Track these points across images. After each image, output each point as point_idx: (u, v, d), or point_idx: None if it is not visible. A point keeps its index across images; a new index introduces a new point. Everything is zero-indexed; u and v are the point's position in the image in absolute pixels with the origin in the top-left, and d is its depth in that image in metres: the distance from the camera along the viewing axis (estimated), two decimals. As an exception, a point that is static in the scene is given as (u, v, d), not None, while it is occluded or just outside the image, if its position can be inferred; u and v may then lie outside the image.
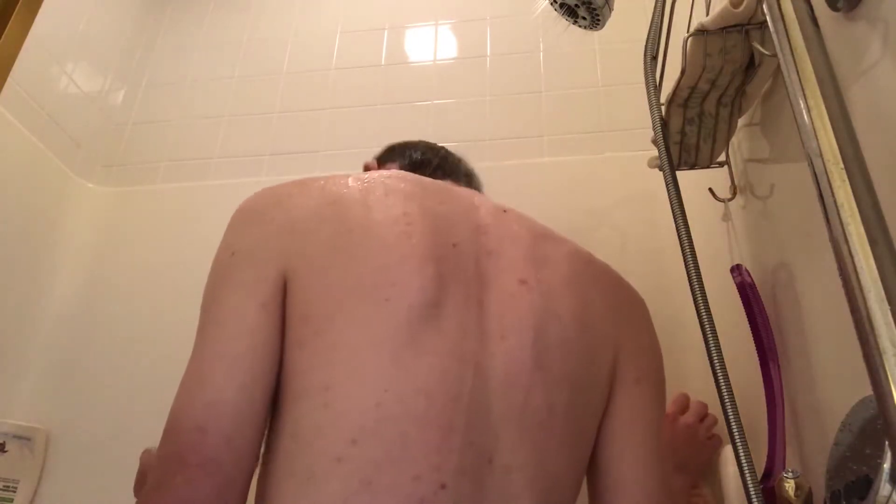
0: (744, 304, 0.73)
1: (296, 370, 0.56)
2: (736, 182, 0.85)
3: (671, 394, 1.01)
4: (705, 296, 0.65)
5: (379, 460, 0.50)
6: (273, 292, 0.59)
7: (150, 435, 1.23)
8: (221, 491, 0.51)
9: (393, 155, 0.94)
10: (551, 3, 0.88)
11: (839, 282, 0.39)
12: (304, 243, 0.61)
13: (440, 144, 0.99)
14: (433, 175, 0.88)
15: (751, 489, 0.55)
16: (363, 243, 0.60)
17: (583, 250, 0.74)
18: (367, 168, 0.92)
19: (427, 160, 0.93)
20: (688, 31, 0.75)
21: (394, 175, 0.69)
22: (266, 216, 0.64)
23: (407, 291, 0.57)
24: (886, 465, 0.42)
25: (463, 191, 0.75)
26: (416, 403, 0.52)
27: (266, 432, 0.56)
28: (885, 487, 0.42)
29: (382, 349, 0.54)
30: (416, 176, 0.70)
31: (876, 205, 0.40)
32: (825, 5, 0.56)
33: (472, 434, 0.53)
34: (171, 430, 0.55)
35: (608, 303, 0.69)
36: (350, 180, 0.66)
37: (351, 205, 0.63)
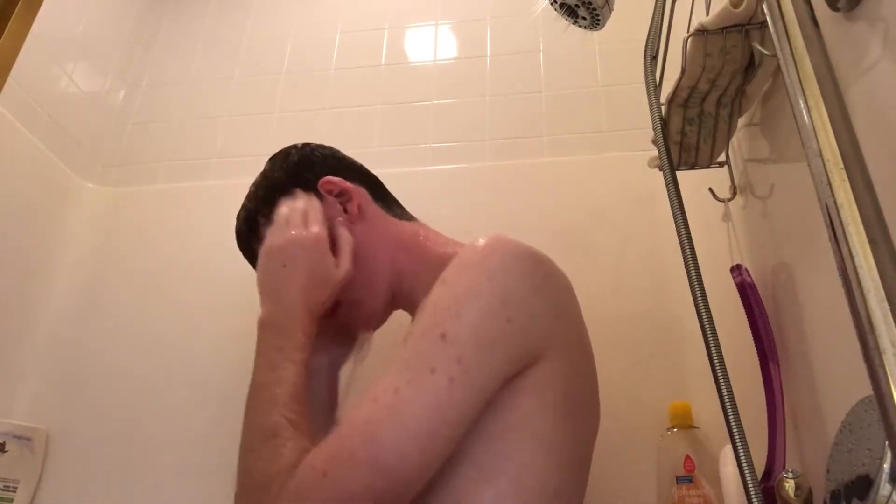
0: (744, 304, 0.73)
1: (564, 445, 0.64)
2: (736, 182, 0.85)
3: (671, 393, 1.01)
4: (705, 296, 0.65)
5: None
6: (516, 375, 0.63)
7: (150, 435, 1.24)
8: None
9: (349, 172, 0.89)
10: (551, 3, 0.88)
11: (839, 282, 0.39)
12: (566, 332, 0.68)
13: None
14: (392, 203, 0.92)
15: (751, 489, 0.55)
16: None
17: None
18: (331, 184, 0.85)
19: (382, 187, 0.93)
20: (688, 31, 0.75)
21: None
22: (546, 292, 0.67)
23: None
24: (886, 465, 0.42)
25: None
26: None
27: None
28: (885, 487, 0.42)
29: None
30: None
31: (876, 205, 0.40)
32: (825, 5, 0.56)
33: None
34: (361, 447, 0.54)
35: None
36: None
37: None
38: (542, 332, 0.64)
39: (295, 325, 0.72)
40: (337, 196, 0.85)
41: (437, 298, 0.62)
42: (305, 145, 0.93)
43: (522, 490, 0.59)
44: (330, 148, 0.94)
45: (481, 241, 0.67)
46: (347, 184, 0.85)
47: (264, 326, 0.73)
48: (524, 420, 0.62)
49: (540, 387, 0.63)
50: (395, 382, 0.56)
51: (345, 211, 0.84)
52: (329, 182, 0.85)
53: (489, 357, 0.59)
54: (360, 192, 0.86)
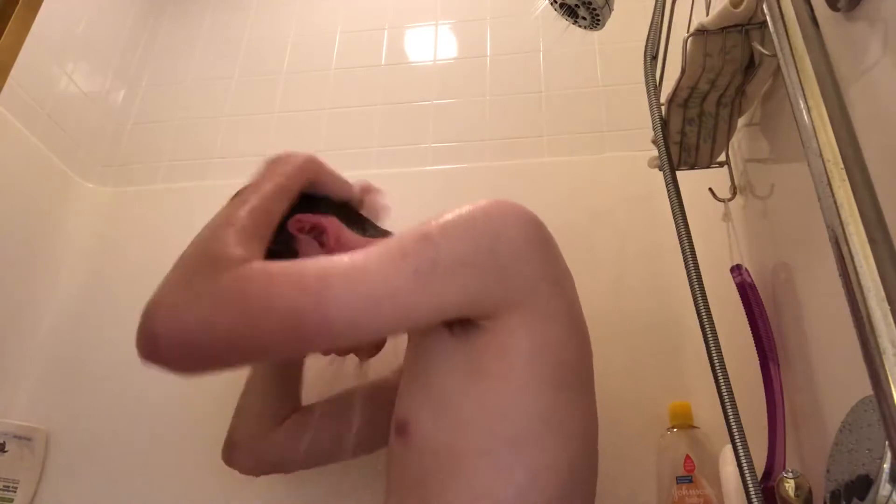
0: (744, 304, 0.73)
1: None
2: (736, 182, 0.85)
3: (671, 394, 1.01)
4: (705, 296, 0.65)
5: None
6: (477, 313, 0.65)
7: (151, 435, 1.24)
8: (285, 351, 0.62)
9: (316, 205, 0.85)
10: (551, 3, 0.88)
11: (839, 282, 0.39)
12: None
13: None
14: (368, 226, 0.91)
15: (751, 489, 0.55)
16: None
17: None
18: (300, 222, 0.82)
19: (351, 209, 0.91)
20: (688, 31, 0.75)
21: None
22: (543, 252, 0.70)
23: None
24: (886, 465, 0.42)
25: None
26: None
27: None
28: (885, 487, 0.42)
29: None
30: None
31: (876, 205, 0.40)
32: (825, 5, 0.56)
33: None
34: (307, 290, 0.57)
35: None
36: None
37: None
38: (527, 282, 0.66)
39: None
40: (309, 232, 0.82)
41: (431, 218, 0.66)
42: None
43: (539, 475, 0.60)
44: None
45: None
46: (317, 217, 0.83)
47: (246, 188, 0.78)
48: (521, 392, 0.63)
49: (530, 351, 0.64)
50: (366, 252, 0.61)
51: (321, 245, 0.82)
52: (297, 220, 0.82)
53: (461, 273, 0.62)
54: (332, 222, 0.83)
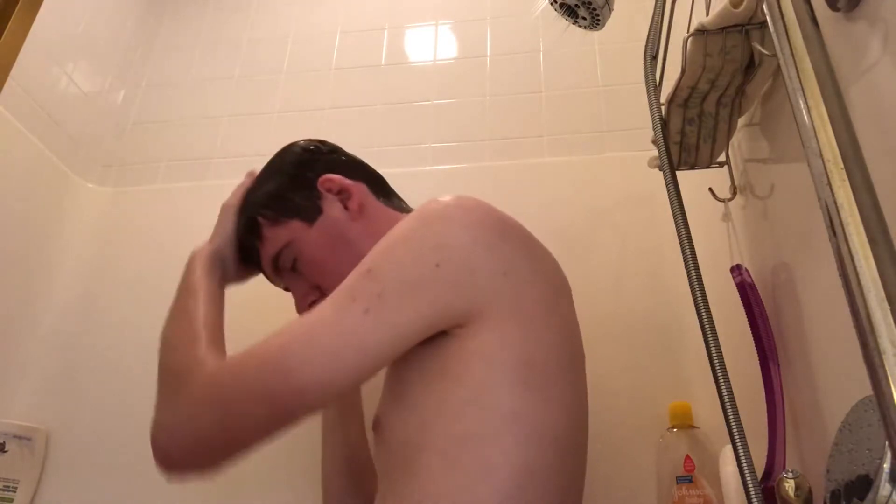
0: (744, 304, 0.73)
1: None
2: (736, 182, 0.85)
3: (671, 394, 1.01)
4: (705, 296, 0.65)
5: None
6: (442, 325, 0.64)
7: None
8: (273, 431, 0.59)
9: (349, 169, 0.90)
10: (551, 3, 0.88)
11: (839, 282, 0.39)
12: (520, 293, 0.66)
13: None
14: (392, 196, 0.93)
15: (751, 489, 0.55)
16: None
17: None
18: (330, 182, 0.86)
19: (383, 181, 0.94)
20: (688, 31, 0.75)
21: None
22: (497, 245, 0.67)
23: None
24: (886, 465, 0.42)
25: None
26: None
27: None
28: (885, 487, 0.42)
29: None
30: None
31: (876, 205, 0.40)
32: (825, 5, 0.56)
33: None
34: (273, 369, 0.58)
35: None
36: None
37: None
38: (483, 287, 0.63)
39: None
40: (337, 193, 0.85)
41: (378, 243, 0.66)
42: (308, 142, 0.93)
43: (490, 470, 0.58)
44: (332, 145, 0.95)
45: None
46: (347, 181, 0.86)
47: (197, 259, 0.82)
48: (479, 391, 0.61)
49: (489, 352, 0.62)
50: (321, 308, 0.61)
51: (345, 208, 0.85)
52: (328, 180, 0.86)
53: (411, 298, 0.61)
54: (359, 189, 0.87)
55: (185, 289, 0.80)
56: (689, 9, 0.86)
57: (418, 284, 0.61)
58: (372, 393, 0.90)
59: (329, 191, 0.86)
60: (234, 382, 0.59)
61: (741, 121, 0.83)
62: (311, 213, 0.84)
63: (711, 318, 0.64)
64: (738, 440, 0.58)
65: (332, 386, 0.58)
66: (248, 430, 0.59)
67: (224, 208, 0.90)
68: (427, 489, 0.59)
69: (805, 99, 0.46)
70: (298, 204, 0.84)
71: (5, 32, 0.92)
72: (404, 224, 0.66)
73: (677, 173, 0.77)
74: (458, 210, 0.67)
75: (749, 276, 0.75)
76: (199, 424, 0.59)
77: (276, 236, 0.84)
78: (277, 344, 0.59)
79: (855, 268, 0.38)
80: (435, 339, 0.64)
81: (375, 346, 0.59)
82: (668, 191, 0.73)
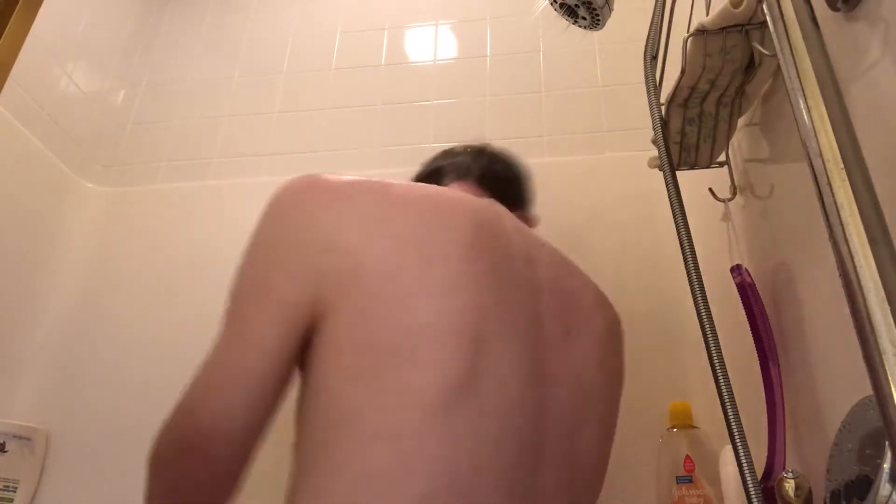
0: (744, 304, 0.73)
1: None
2: (736, 182, 0.85)
3: (671, 394, 1.01)
4: (705, 296, 0.65)
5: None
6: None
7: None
8: (216, 479, 0.57)
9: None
10: (551, 3, 0.88)
11: (839, 282, 0.39)
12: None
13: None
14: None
15: (751, 489, 0.55)
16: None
17: (594, 285, 0.76)
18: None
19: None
20: (688, 31, 0.75)
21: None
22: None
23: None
24: (886, 465, 0.42)
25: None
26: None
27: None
28: (885, 487, 0.42)
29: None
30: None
31: (876, 205, 0.40)
32: (825, 5, 0.56)
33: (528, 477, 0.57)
34: (184, 420, 0.58)
35: (615, 347, 0.74)
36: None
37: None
38: (314, 270, 0.57)
39: None
40: None
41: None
42: (469, 148, 0.88)
43: (332, 479, 0.53)
44: (486, 153, 0.88)
45: None
46: None
47: None
48: (313, 392, 0.57)
49: (326, 343, 0.56)
50: (215, 341, 0.59)
51: None
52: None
53: (260, 307, 0.58)
54: None
55: None
56: (689, 9, 0.86)
57: (263, 289, 0.58)
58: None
59: None
60: (162, 435, 0.59)
61: (741, 121, 0.83)
62: None
63: (711, 318, 0.64)
64: (738, 440, 0.58)
65: (236, 423, 0.56)
66: (194, 489, 0.57)
67: None
68: (288, 493, 0.57)
69: (805, 99, 0.46)
70: None
71: (5, 32, 0.92)
72: (252, 233, 0.63)
73: (677, 173, 0.77)
74: (274, 200, 0.62)
75: (749, 276, 0.75)
76: (154, 493, 0.59)
77: None
78: (185, 397, 0.58)
79: (855, 268, 0.38)
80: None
81: (247, 370, 0.57)
82: (668, 191, 0.73)
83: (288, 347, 0.57)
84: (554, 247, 0.74)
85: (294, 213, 0.61)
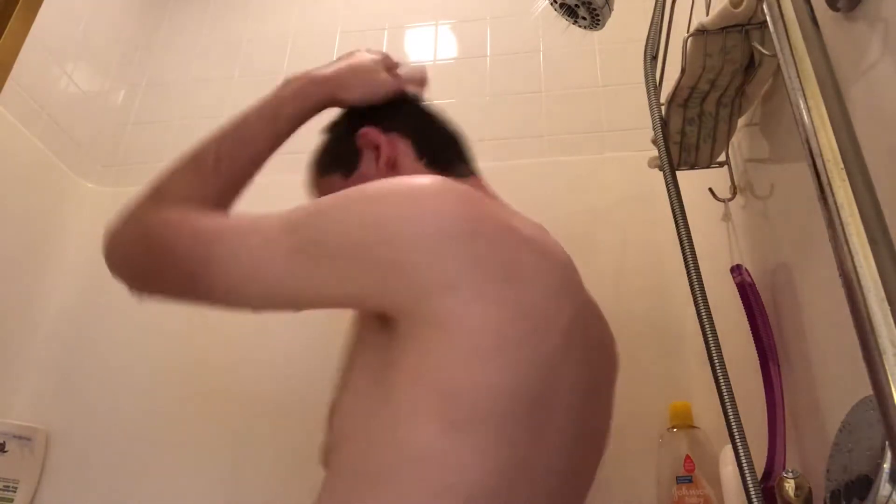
0: (744, 304, 0.73)
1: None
2: (736, 182, 0.85)
3: (671, 393, 1.01)
4: (705, 296, 0.65)
5: None
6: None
7: (150, 435, 1.23)
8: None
9: (399, 121, 0.82)
10: (551, 3, 0.88)
11: (839, 282, 0.39)
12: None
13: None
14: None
15: (751, 489, 0.55)
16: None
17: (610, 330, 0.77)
18: (365, 137, 0.78)
19: (437, 140, 0.84)
20: (688, 31, 0.75)
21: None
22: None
23: None
24: (886, 465, 0.42)
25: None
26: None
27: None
28: (885, 487, 0.42)
29: None
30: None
31: (876, 205, 0.40)
32: (825, 5, 0.56)
33: None
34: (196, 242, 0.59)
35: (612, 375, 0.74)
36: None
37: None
38: (421, 281, 0.53)
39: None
40: (373, 149, 0.78)
41: (348, 192, 0.60)
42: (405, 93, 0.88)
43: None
44: (410, 95, 0.89)
45: None
46: (381, 137, 0.78)
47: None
48: (392, 422, 0.52)
49: (411, 373, 0.52)
50: (268, 221, 0.58)
51: (377, 164, 0.77)
52: (364, 135, 0.79)
53: (344, 261, 0.55)
54: (392, 144, 0.78)
55: (260, 108, 0.87)
56: (689, 9, 0.86)
57: (357, 254, 0.55)
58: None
59: (365, 145, 0.79)
60: (168, 242, 0.60)
61: (741, 121, 0.83)
62: (349, 165, 0.79)
63: (711, 318, 0.64)
64: (738, 440, 0.58)
65: (238, 296, 0.59)
66: (166, 286, 0.62)
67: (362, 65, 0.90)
68: None
69: (805, 99, 0.46)
70: (339, 158, 0.81)
71: (5, 32, 0.92)
72: (376, 187, 0.59)
73: (677, 173, 0.77)
74: (435, 199, 0.57)
75: (749, 276, 0.75)
76: (127, 250, 0.65)
77: (318, 187, 0.83)
78: (217, 227, 0.59)
79: (855, 268, 0.38)
80: (384, 330, 0.56)
81: (282, 290, 0.57)
82: (668, 191, 0.73)
83: (326, 305, 0.59)
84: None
85: (450, 226, 0.55)
